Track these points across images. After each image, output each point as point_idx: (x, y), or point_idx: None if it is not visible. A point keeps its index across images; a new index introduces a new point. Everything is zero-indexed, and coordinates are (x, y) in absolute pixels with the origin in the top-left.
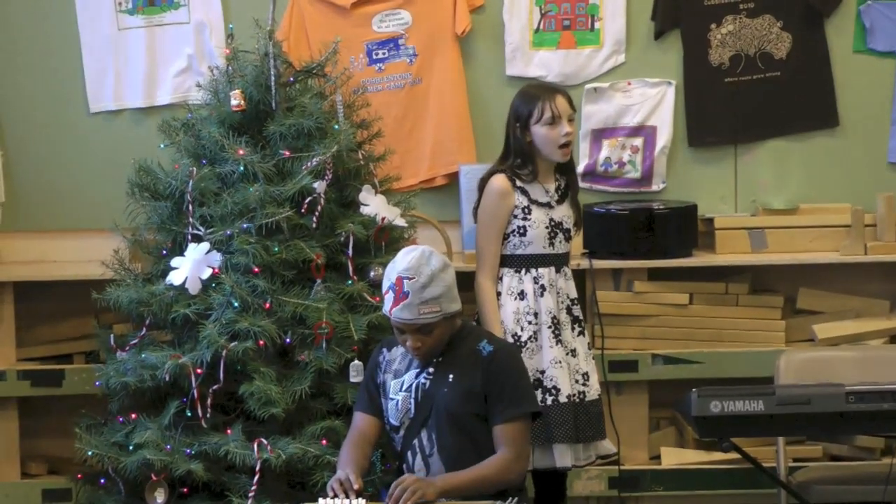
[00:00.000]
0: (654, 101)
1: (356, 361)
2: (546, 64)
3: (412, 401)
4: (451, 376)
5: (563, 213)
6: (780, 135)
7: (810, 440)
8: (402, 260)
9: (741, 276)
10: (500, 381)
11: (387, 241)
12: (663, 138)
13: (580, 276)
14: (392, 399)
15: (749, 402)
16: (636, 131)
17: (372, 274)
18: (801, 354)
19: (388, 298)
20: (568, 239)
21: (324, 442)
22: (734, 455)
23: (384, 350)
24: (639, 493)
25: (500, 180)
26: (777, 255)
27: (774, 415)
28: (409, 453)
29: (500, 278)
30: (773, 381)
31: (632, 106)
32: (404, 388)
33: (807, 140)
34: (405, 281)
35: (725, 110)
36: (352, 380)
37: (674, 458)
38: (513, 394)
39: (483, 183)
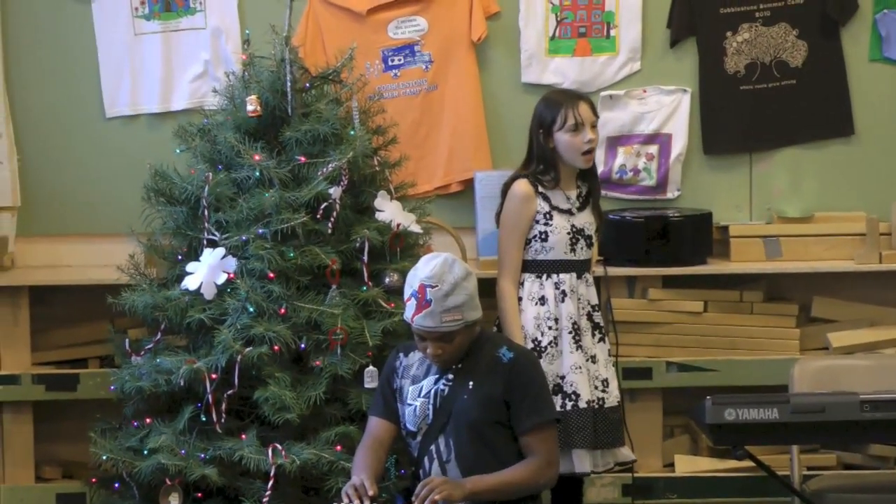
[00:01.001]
0: (670, 109)
1: (371, 367)
2: (562, 71)
3: (430, 407)
4: (470, 383)
5: (585, 219)
6: (795, 143)
7: (824, 448)
8: (425, 267)
9: (756, 284)
10: (523, 388)
11: (402, 247)
12: (678, 146)
13: (595, 284)
14: (410, 405)
15: (763, 411)
16: (651, 139)
17: (387, 280)
18: (816, 363)
19: (410, 306)
20: (590, 245)
21: (338, 448)
22: (748, 463)
23: (401, 355)
24: (652, 500)
25: (522, 185)
26: (792, 264)
27: (789, 423)
28: (425, 459)
29: (522, 283)
30: (788, 390)
31: (647, 113)
32: (422, 393)
33: (822, 148)
34: (428, 289)
35: (741, 118)
36: (366, 386)
37: (688, 465)
38: (537, 401)
39: (506, 188)
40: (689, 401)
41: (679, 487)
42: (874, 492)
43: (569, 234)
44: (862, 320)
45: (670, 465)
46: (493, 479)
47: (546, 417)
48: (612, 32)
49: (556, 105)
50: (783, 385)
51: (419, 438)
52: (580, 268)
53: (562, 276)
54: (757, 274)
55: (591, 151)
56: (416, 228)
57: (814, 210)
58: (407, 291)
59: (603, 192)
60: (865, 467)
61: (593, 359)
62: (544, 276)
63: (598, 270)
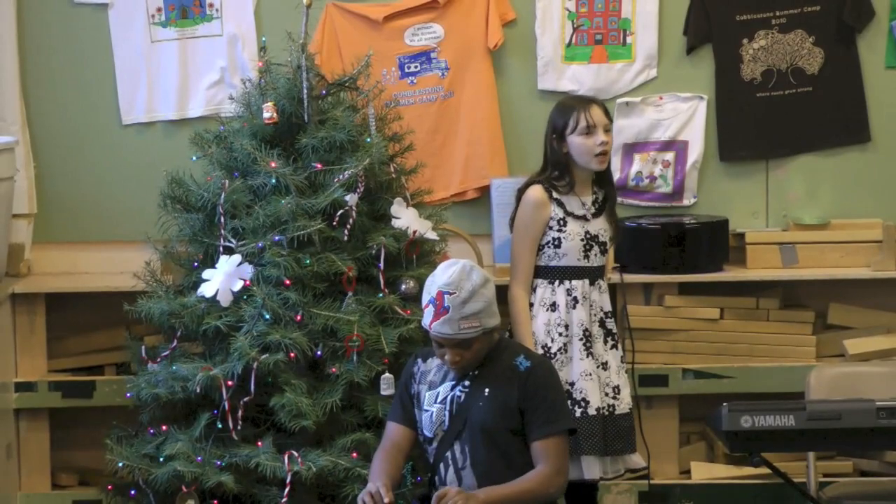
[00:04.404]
0: (686, 116)
1: (387, 374)
2: (578, 78)
3: (446, 413)
4: (486, 390)
5: (600, 226)
6: (811, 150)
7: (841, 455)
8: (443, 274)
9: (772, 291)
10: (538, 397)
11: (418, 254)
12: (695, 153)
13: (611, 290)
14: (427, 410)
15: (779, 417)
16: (668, 146)
17: (403, 287)
18: (832, 370)
19: (428, 312)
20: (603, 252)
21: (354, 455)
22: (764, 470)
23: (419, 361)
24: None
25: (536, 191)
26: (808, 271)
27: (805, 430)
28: (441, 465)
29: (534, 289)
30: (804, 397)
31: (663, 120)
32: (439, 399)
33: (838, 155)
34: (446, 296)
35: (757, 125)
36: (382, 393)
37: (704, 472)
38: (550, 410)
39: (520, 193)
40: (706, 408)
41: (695, 494)
42: (891, 499)
43: (582, 240)
44: (878, 327)
45: (686, 472)
46: (505, 490)
47: (558, 427)
48: (629, 39)
49: (568, 109)
50: (799, 392)
51: (435, 444)
52: (593, 274)
53: (574, 282)
54: (773, 281)
55: (604, 153)
56: (432, 235)
57: (830, 217)
58: (425, 298)
59: (619, 199)
60: (882, 474)
61: (605, 366)
62: (556, 283)
63: (615, 277)
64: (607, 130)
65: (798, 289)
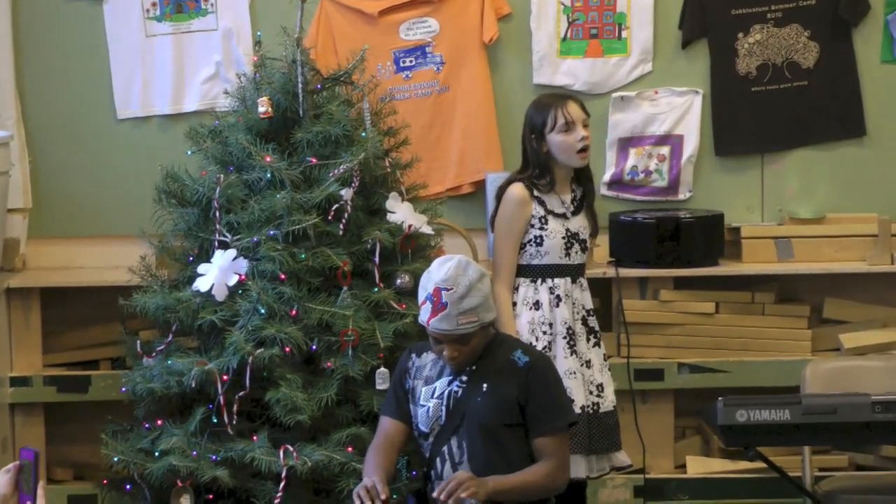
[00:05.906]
0: (681, 110)
1: (382, 369)
2: (573, 72)
3: (443, 408)
4: (485, 385)
5: (580, 223)
6: (807, 144)
7: (836, 450)
8: (439, 270)
9: (767, 286)
10: (541, 392)
11: (413, 248)
12: (690, 147)
13: (606, 285)
14: (423, 406)
15: (775, 412)
16: (663, 140)
17: (398, 281)
18: (828, 364)
19: (426, 309)
20: (584, 249)
21: (349, 449)
22: (760, 464)
23: (413, 355)
24: (664, 501)
25: (518, 189)
26: (803, 265)
27: (800, 424)
28: (437, 460)
29: (516, 288)
30: (799, 391)
31: (659, 115)
32: (436, 394)
33: (834, 149)
34: (443, 292)
35: (752, 119)
36: (378, 387)
37: (699, 466)
38: (553, 406)
39: (501, 191)
40: (701, 402)
41: (691, 488)
42: (886, 493)
43: (563, 238)
44: (874, 321)
45: (682, 467)
46: (513, 480)
47: (563, 423)
48: (624, 34)
49: (545, 108)
50: (795, 386)
51: (431, 440)
52: (574, 272)
53: (556, 280)
54: (769, 275)
55: (585, 150)
56: (427, 230)
57: (825, 211)
58: (421, 295)
59: (614, 194)
60: (877, 468)
61: (588, 364)
62: (539, 281)
63: (610, 271)
64: (586, 125)
65: (794, 283)
